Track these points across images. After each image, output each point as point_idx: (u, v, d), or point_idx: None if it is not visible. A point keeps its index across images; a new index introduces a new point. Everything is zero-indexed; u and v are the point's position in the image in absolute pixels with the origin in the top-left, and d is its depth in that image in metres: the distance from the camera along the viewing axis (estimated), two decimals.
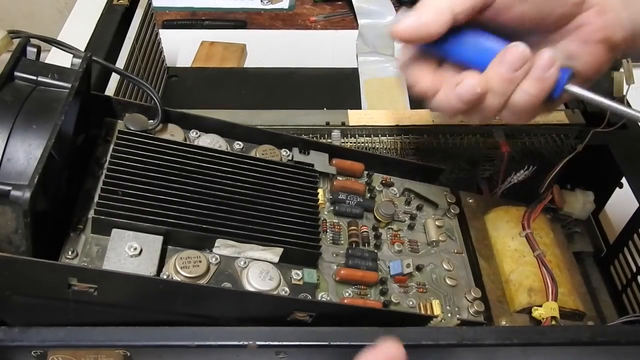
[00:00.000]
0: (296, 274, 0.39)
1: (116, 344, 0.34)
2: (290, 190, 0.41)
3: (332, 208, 0.44)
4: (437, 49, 0.37)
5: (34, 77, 0.36)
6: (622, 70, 0.54)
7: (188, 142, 0.42)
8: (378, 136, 0.53)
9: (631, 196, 0.49)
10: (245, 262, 0.38)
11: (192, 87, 0.75)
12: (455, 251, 0.46)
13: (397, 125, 0.53)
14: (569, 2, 0.36)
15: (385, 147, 0.53)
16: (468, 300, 0.43)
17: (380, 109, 0.54)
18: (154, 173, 0.38)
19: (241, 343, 0.34)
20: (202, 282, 0.36)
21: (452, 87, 0.37)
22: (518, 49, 0.35)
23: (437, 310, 0.41)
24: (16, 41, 0.38)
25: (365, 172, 0.47)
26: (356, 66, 0.75)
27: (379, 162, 0.48)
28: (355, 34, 0.81)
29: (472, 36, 0.37)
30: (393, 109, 0.54)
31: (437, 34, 0.35)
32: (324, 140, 0.52)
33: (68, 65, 0.37)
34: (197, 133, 0.43)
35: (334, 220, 0.44)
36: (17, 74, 0.35)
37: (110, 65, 0.47)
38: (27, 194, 0.30)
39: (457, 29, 0.36)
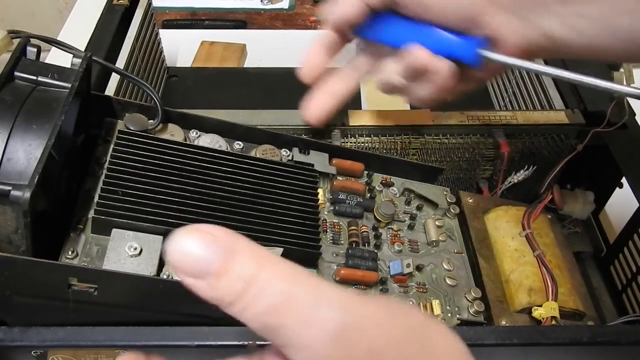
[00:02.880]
0: None
1: (116, 344, 0.34)
2: (290, 190, 0.41)
3: (332, 208, 0.44)
4: (360, 30, 0.44)
5: (34, 77, 0.36)
6: (622, 70, 0.54)
7: (188, 142, 0.42)
8: (378, 136, 0.53)
9: (631, 196, 0.49)
10: None
11: (192, 87, 0.75)
12: (455, 251, 0.46)
13: (397, 125, 0.53)
14: (471, 16, 0.40)
15: (385, 147, 0.53)
16: (468, 300, 0.43)
17: (380, 109, 0.54)
18: (154, 173, 0.38)
19: (241, 343, 0.34)
20: None
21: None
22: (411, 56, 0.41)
23: (437, 310, 0.41)
24: (16, 41, 0.38)
25: (365, 172, 0.47)
26: None
27: (379, 162, 0.48)
28: None
29: (391, 22, 0.43)
30: (393, 109, 0.54)
31: (356, 20, 0.42)
32: (324, 140, 0.52)
33: (68, 65, 0.37)
34: (197, 133, 0.43)
35: (334, 220, 0.44)
36: (17, 74, 0.35)
37: (110, 65, 0.47)
38: (27, 194, 0.30)
39: (380, 14, 0.42)
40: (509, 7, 0.39)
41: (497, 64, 0.41)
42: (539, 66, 0.39)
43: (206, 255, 0.22)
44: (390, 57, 0.43)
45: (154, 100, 0.41)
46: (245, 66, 0.82)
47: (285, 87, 0.74)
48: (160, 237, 0.36)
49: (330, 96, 0.46)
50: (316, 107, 0.45)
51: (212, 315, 0.36)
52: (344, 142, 0.52)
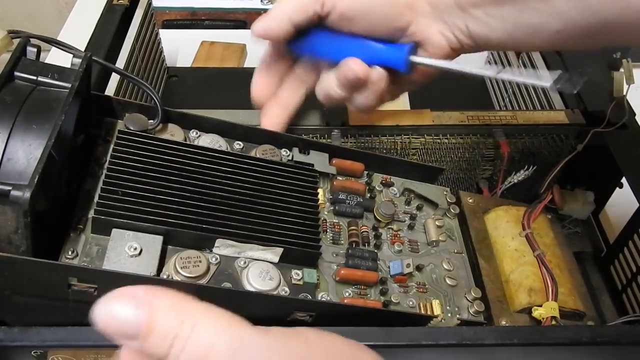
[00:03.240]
0: (296, 274, 0.39)
1: (116, 344, 0.34)
2: (290, 190, 0.41)
3: (332, 208, 0.44)
4: (296, 47, 0.46)
5: (34, 77, 0.36)
6: (622, 70, 0.54)
7: (188, 142, 0.42)
8: (378, 136, 0.53)
9: (631, 196, 0.49)
10: (245, 262, 0.38)
11: (192, 87, 0.75)
12: (455, 251, 0.46)
13: (397, 125, 0.53)
14: (395, 24, 0.43)
15: (385, 147, 0.53)
16: (468, 300, 0.43)
17: (380, 109, 0.54)
18: (154, 173, 0.38)
19: None
20: (202, 282, 0.36)
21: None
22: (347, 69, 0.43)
23: (437, 310, 0.41)
24: (16, 41, 0.38)
25: (365, 172, 0.47)
26: None
27: (379, 162, 0.48)
28: None
29: (323, 37, 0.44)
30: (393, 109, 0.54)
31: (280, 37, 0.44)
32: (324, 140, 0.52)
33: (68, 65, 0.37)
34: (197, 133, 0.43)
35: (334, 220, 0.44)
36: (17, 74, 0.35)
37: (110, 65, 0.47)
38: (27, 194, 0.30)
39: (312, 31, 0.44)
40: (430, 14, 0.43)
41: (427, 69, 0.45)
42: (460, 66, 0.43)
43: (131, 319, 0.24)
44: (329, 69, 0.46)
45: (154, 100, 0.41)
46: (245, 66, 0.82)
47: None
48: (160, 237, 0.36)
49: (281, 109, 0.48)
50: (271, 120, 0.48)
51: None
52: (344, 142, 0.52)
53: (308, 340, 0.25)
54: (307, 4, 0.43)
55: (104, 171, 0.38)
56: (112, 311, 0.24)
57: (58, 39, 0.40)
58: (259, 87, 0.48)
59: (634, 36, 0.39)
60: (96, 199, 0.37)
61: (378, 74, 0.44)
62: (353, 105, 0.47)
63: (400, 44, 0.44)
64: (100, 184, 0.37)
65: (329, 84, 0.45)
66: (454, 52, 0.44)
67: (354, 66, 0.43)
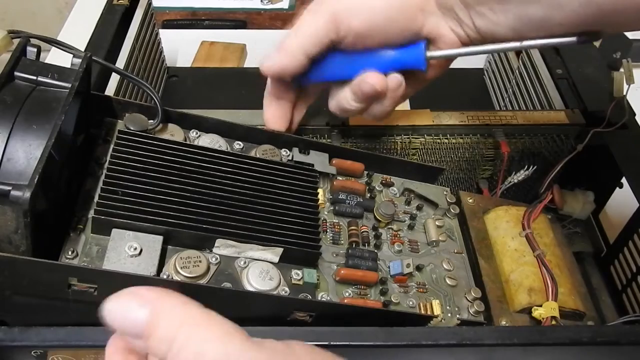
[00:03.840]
0: (296, 274, 0.39)
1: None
2: (290, 190, 0.41)
3: (332, 208, 0.44)
4: (305, 76, 0.44)
5: (34, 77, 0.36)
6: (622, 70, 0.54)
7: (188, 142, 0.42)
8: (378, 136, 0.53)
9: (631, 196, 0.49)
10: (245, 262, 0.38)
11: (192, 87, 0.75)
12: (455, 251, 0.46)
13: (397, 125, 0.53)
14: (410, 29, 0.42)
15: (385, 147, 0.53)
16: (468, 300, 0.43)
17: None
18: (154, 173, 0.38)
19: None
20: (202, 282, 0.36)
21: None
22: (366, 84, 0.42)
23: (437, 310, 0.41)
24: (16, 41, 0.38)
25: (365, 172, 0.47)
26: None
27: (379, 162, 0.48)
28: None
29: (335, 59, 0.43)
30: None
31: (295, 72, 0.43)
32: (324, 140, 0.52)
33: (68, 65, 0.37)
34: (197, 133, 0.43)
35: (334, 220, 0.44)
36: (17, 74, 0.35)
37: (110, 65, 0.47)
38: (27, 194, 0.30)
39: (322, 56, 0.43)
40: (439, 12, 0.43)
41: (439, 62, 0.45)
42: (480, 48, 0.44)
43: (136, 320, 0.25)
44: (339, 85, 0.45)
45: (154, 100, 0.41)
46: (245, 66, 0.82)
47: None
48: (160, 237, 0.36)
49: (290, 128, 0.48)
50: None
51: None
52: (344, 142, 0.52)
53: (298, 357, 0.26)
54: (322, 34, 0.41)
55: (104, 171, 0.38)
56: (119, 310, 0.25)
57: (58, 39, 0.40)
58: (273, 120, 0.47)
59: (628, 24, 0.40)
60: (96, 199, 0.37)
61: (396, 80, 0.43)
62: (370, 114, 0.46)
63: (414, 44, 0.43)
64: (100, 184, 0.37)
65: (345, 99, 0.44)
66: (464, 47, 0.45)
67: (371, 80, 0.42)
